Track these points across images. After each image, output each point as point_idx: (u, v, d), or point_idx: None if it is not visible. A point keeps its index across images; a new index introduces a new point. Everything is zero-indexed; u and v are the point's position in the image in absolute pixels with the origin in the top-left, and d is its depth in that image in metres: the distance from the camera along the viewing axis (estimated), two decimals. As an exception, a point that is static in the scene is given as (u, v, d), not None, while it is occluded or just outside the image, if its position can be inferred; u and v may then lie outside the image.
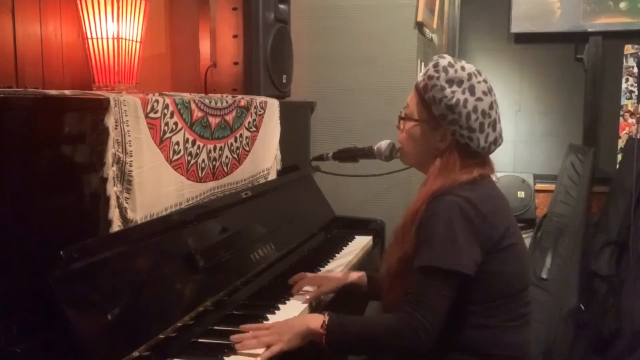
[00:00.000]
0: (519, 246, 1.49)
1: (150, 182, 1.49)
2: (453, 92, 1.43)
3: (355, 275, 1.83)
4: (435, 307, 1.36)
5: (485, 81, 1.48)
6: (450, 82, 1.44)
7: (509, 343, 1.46)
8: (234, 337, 1.39)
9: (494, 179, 1.54)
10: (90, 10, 1.87)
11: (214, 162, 1.82)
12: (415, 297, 1.38)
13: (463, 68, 1.46)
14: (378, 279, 1.76)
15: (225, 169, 1.89)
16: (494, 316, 1.44)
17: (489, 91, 1.47)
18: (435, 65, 1.47)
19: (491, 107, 1.46)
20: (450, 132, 1.46)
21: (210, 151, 1.79)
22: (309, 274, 1.83)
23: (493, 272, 1.42)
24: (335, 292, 1.79)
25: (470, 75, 1.45)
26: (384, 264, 1.59)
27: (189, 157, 1.68)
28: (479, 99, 1.44)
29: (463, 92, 1.43)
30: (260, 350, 1.37)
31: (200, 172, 1.74)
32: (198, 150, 1.73)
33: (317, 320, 1.42)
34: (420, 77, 1.52)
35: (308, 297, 1.71)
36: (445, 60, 1.47)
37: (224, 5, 2.42)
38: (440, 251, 1.37)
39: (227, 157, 1.90)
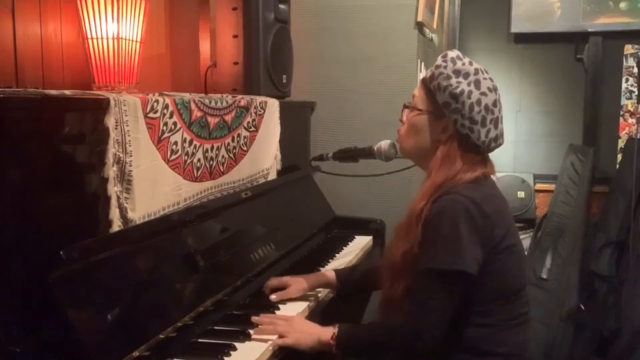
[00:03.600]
0: (518, 247, 1.50)
1: (147, 182, 1.49)
2: (458, 82, 1.44)
3: (323, 276, 1.83)
4: (440, 309, 1.38)
5: (491, 79, 1.49)
6: (457, 72, 1.45)
7: (508, 341, 1.47)
8: (254, 319, 1.51)
9: (494, 179, 1.54)
10: (90, 10, 1.87)
11: (211, 162, 1.82)
12: (420, 300, 1.40)
13: (471, 63, 1.49)
14: (349, 275, 1.81)
15: (221, 168, 1.89)
16: (494, 315, 1.45)
17: (494, 89, 1.49)
18: (444, 56, 1.49)
19: (495, 104, 1.47)
20: (452, 122, 1.46)
21: (207, 151, 1.79)
22: (275, 278, 1.80)
23: (494, 273, 1.43)
24: (304, 293, 1.76)
25: (477, 71, 1.47)
26: (385, 259, 1.60)
27: (186, 157, 1.68)
28: (484, 94, 1.45)
29: (468, 85, 1.45)
30: (261, 350, 1.39)
31: (195, 172, 1.74)
32: (194, 150, 1.73)
33: (328, 333, 1.47)
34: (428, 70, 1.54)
35: (273, 296, 1.71)
36: (454, 53, 1.50)
37: (224, 5, 2.42)
38: (444, 252, 1.38)
39: (223, 156, 1.90)
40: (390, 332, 1.46)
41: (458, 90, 1.44)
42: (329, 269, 1.88)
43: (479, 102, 1.44)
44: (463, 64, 1.47)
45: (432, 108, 1.50)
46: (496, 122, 1.47)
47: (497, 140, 1.49)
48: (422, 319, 1.38)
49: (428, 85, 1.51)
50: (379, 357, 1.70)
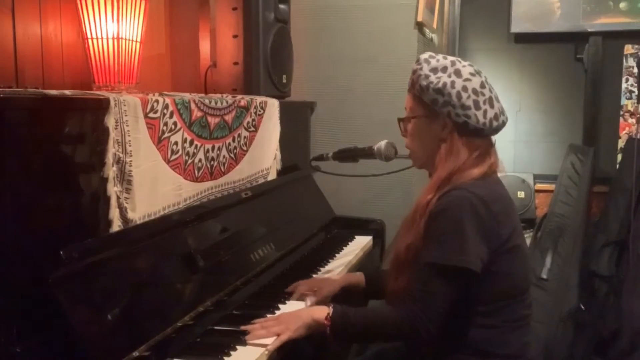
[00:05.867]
0: (523, 248, 1.50)
1: (147, 182, 1.49)
2: (438, 77, 1.46)
3: (353, 276, 1.83)
4: (437, 304, 1.38)
5: (471, 65, 1.51)
6: (434, 70, 1.48)
7: (510, 343, 1.47)
8: (244, 328, 1.45)
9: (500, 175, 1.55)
10: (90, 10, 1.87)
11: (212, 162, 1.82)
12: (419, 293, 1.40)
13: (445, 57, 1.51)
14: (377, 277, 1.78)
15: (222, 168, 1.89)
16: (497, 316, 1.45)
17: (477, 72, 1.50)
18: (417, 61, 1.52)
19: (482, 86, 1.48)
20: (446, 116, 1.47)
21: (208, 151, 1.79)
22: (304, 281, 1.81)
23: (499, 273, 1.43)
24: (334, 294, 1.77)
25: (453, 62, 1.49)
26: (391, 253, 1.60)
27: (187, 157, 1.68)
28: (467, 80, 1.47)
29: (449, 76, 1.47)
30: (260, 349, 1.38)
31: (196, 172, 1.74)
32: (195, 150, 1.73)
33: (322, 312, 1.46)
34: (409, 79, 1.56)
35: (308, 300, 1.70)
36: (426, 54, 1.53)
37: (224, 5, 2.42)
38: (447, 248, 1.38)
39: (224, 156, 1.90)
40: (385, 320, 1.45)
41: (440, 84, 1.45)
42: (359, 273, 1.86)
43: (464, 88, 1.45)
44: (437, 61, 1.49)
45: (424, 111, 1.52)
46: (490, 101, 1.48)
47: (499, 118, 1.49)
48: (419, 313, 1.37)
49: (412, 92, 1.53)
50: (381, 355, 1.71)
